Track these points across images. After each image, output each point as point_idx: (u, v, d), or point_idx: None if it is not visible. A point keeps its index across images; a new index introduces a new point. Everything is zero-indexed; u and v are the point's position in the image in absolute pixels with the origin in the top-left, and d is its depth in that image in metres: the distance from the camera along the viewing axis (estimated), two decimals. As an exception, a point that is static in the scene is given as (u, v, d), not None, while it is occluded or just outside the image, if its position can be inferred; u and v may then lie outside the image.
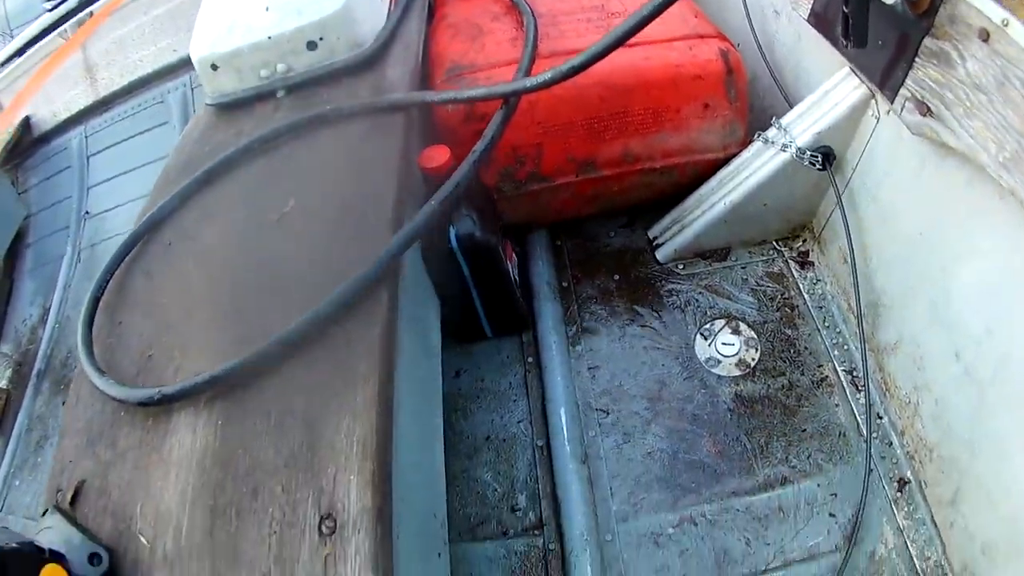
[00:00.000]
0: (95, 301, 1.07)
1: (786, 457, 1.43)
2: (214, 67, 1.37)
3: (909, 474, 1.38)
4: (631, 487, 1.43)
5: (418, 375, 1.30)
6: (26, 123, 2.38)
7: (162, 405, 0.88)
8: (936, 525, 1.30)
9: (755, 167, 1.57)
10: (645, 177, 1.63)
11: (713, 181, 1.62)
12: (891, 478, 1.38)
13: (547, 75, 1.19)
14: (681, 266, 1.71)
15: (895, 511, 1.35)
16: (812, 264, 1.68)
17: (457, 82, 1.53)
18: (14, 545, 0.72)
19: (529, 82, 1.22)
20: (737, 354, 1.55)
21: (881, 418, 1.47)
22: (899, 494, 1.36)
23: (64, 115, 2.31)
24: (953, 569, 1.24)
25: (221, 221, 1.16)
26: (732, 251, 1.71)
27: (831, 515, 1.36)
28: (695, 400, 1.50)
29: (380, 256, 0.96)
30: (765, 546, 1.34)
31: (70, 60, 2.35)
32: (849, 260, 1.47)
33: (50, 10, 2.56)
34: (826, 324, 1.59)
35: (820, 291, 1.64)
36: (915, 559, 1.29)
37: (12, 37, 2.70)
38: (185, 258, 1.12)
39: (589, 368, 1.58)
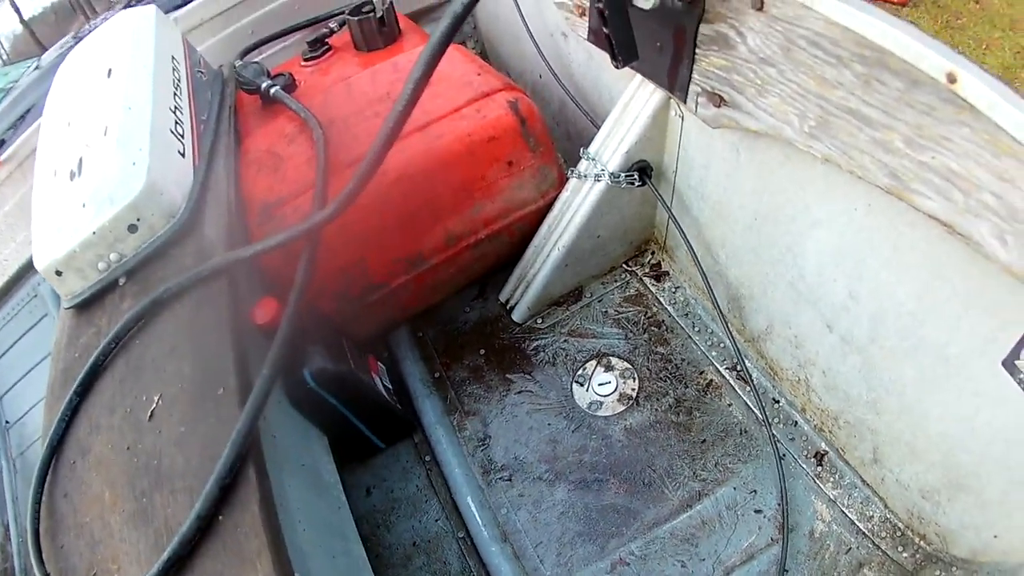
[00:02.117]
0: (36, 533, 1.11)
1: (694, 472, 1.45)
2: (58, 272, 1.38)
3: (824, 445, 1.40)
4: (557, 549, 1.45)
5: (319, 519, 1.32)
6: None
7: None
8: (868, 485, 1.32)
9: (576, 204, 1.58)
10: (476, 250, 1.63)
11: (542, 231, 1.63)
12: (806, 455, 1.41)
13: (334, 205, 1.20)
14: (540, 320, 1.72)
15: (821, 485, 1.37)
16: (667, 274, 1.69)
17: (270, 221, 1.53)
18: None
19: (319, 216, 1.23)
20: (616, 390, 1.56)
21: (777, 402, 1.49)
22: (820, 467, 1.39)
23: None
24: (901, 519, 1.26)
25: (105, 431, 1.18)
26: (585, 288, 1.72)
27: (757, 511, 1.38)
28: (589, 448, 1.52)
29: (232, 438, 0.99)
30: (700, 562, 1.37)
31: None
32: (695, 264, 1.48)
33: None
34: (696, 329, 1.60)
35: (682, 298, 1.65)
36: (857, 522, 1.31)
37: None
38: (89, 473, 1.14)
39: (482, 450, 1.59)
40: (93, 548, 1.06)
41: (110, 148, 1.39)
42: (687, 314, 1.62)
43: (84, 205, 1.35)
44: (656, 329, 1.62)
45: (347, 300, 1.57)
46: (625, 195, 1.56)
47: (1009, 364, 0.86)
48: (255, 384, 1.08)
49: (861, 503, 1.32)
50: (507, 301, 1.76)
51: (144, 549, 0.99)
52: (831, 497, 1.35)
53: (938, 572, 1.20)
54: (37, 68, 3.47)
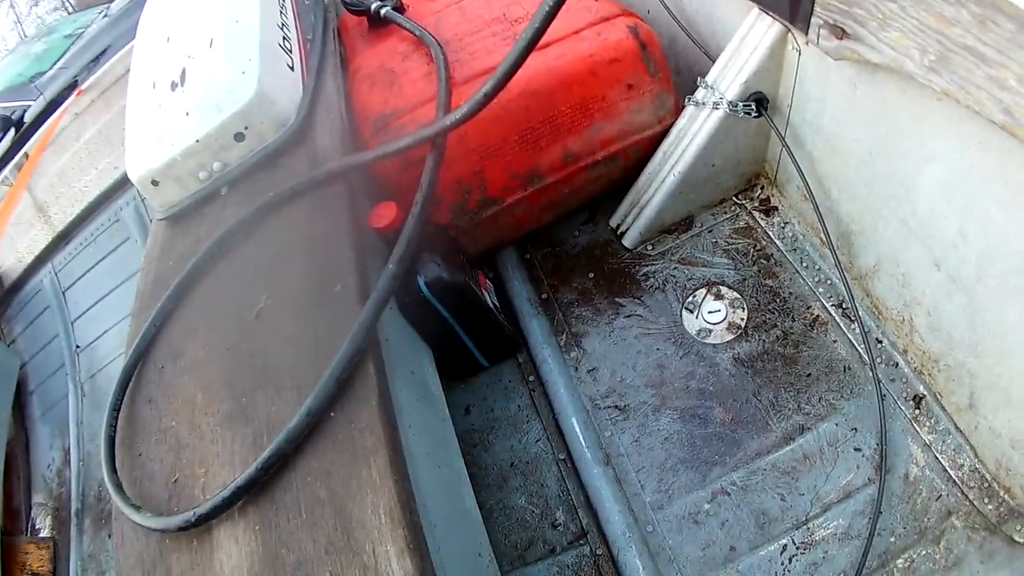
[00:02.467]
0: (110, 440, 1.09)
1: (798, 406, 1.44)
2: (154, 183, 1.37)
3: (922, 389, 1.38)
4: (659, 475, 1.45)
5: (427, 427, 1.32)
6: (-7, 275, 2.42)
7: (201, 525, 0.91)
8: (962, 432, 1.30)
9: (693, 132, 1.57)
10: (592, 172, 1.63)
11: (657, 157, 1.63)
12: (905, 398, 1.39)
13: (463, 109, 1.20)
14: (650, 247, 1.71)
15: (917, 429, 1.36)
16: (776, 209, 1.68)
17: (385, 132, 1.53)
18: None
19: (449, 120, 1.23)
20: (725, 318, 1.55)
21: (880, 342, 1.47)
22: (917, 411, 1.37)
23: (29, 258, 2.34)
24: (989, 469, 1.25)
25: (204, 332, 1.18)
26: (695, 218, 1.71)
27: (856, 449, 1.37)
28: (697, 375, 1.51)
29: (354, 332, 0.98)
30: (800, 496, 1.36)
31: (20, 204, 2.38)
32: (809, 197, 1.47)
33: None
34: (804, 265, 1.59)
35: (790, 233, 1.64)
36: (948, 470, 1.30)
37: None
38: (180, 377, 1.14)
39: (588, 371, 1.59)
40: (177, 453, 1.03)
41: (218, 58, 1.39)
42: (795, 249, 1.61)
43: (188, 114, 1.34)
44: (765, 262, 1.61)
45: (463, 213, 1.57)
46: (741, 125, 1.56)
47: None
48: (378, 281, 1.06)
49: (953, 450, 1.31)
50: (618, 226, 1.75)
51: (239, 449, 0.96)
52: (926, 442, 1.34)
53: (1020, 527, 1.19)
54: (105, 16, 3.50)
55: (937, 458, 1.31)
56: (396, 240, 1.18)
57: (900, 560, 1.25)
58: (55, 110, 2.52)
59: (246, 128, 1.36)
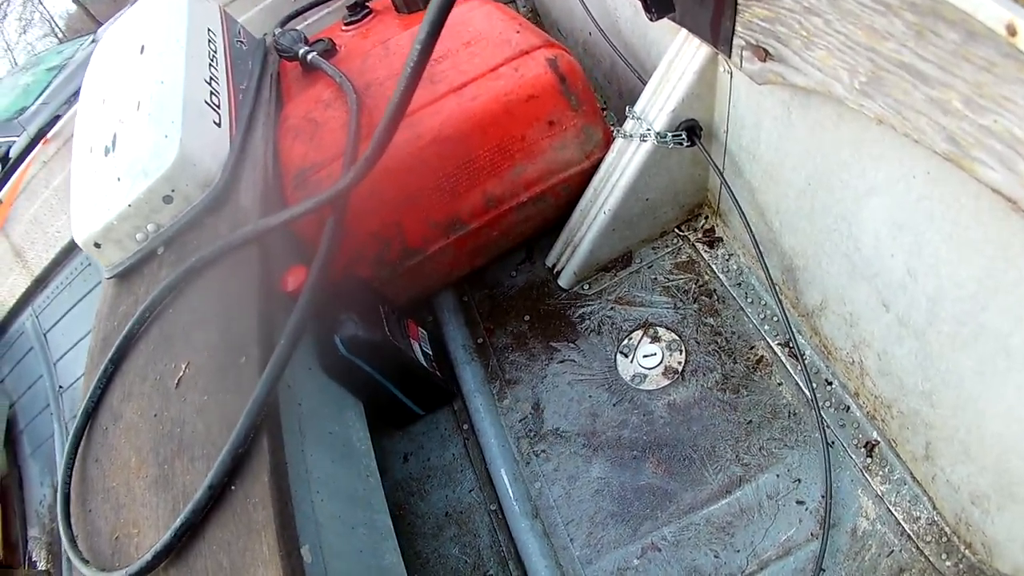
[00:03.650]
0: (65, 497, 1.15)
1: (737, 456, 1.37)
2: (97, 245, 1.42)
3: (876, 435, 1.29)
4: (588, 528, 1.41)
5: (342, 489, 1.32)
6: (-22, 321, 2.52)
7: None
8: (919, 482, 1.21)
9: (622, 167, 1.49)
10: (519, 213, 1.57)
11: (588, 193, 1.55)
12: (856, 444, 1.30)
13: (350, 176, 1.19)
14: (587, 286, 1.65)
15: (869, 478, 1.27)
16: (720, 240, 1.59)
17: (304, 187, 1.51)
18: None
19: (340, 185, 1.21)
20: (661, 362, 1.49)
21: (830, 383, 1.38)
22: (869, 459, 1.28)
23: (11, 302, 2.43)
24: (948, 522, 1.16)
25: (136, 397, 1.22)
26: (634, 254, 1.64)
27: (799, 502, 1.29)
28: (630, 423, 1.46)
29: (248, 407, 0.99)
30: (735, 553, 1.29)
31: None
32: (747, 230, 1.38)
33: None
34: (749, 300, 1.51)
35: (735, 266, 1.55)
36: (903, 523, 1.20)
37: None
38: (119, 439, 1.18)
39: (520, 420, 1.55)
40: (118, 512, 1.09)
41: (143, 122, 1.40)
42: (740, 284, 1.52)
43: (119, 179, 1.38)
44: (707, 299, 1.53)
45: (384, 265, 1.54)
46: (674, 156, 1.47)
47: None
48: (270, 360, 1.07)
49: (909, 502, 1.21)
50: (554, 266, 1.70)
51: (163, 515, 1.02)
52: (878, 493, 1.25)
53: None
54: (93, 42, 3.56)
55: (890, 510, 1.23)
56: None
57: None
58: (36, 146, 2.58)
59: (173, 191, 1.37)
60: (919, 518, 1.19)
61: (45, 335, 2.36)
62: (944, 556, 1.15)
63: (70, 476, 1.19)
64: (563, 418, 1.51)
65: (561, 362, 1.58)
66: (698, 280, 1.56)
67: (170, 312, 1.29)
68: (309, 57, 1.70)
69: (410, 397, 1.58)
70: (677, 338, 1.50)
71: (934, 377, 1.04)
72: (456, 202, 1.50)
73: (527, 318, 1.67)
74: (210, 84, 1.57)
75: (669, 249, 1.62)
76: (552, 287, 1.69)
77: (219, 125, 1.50)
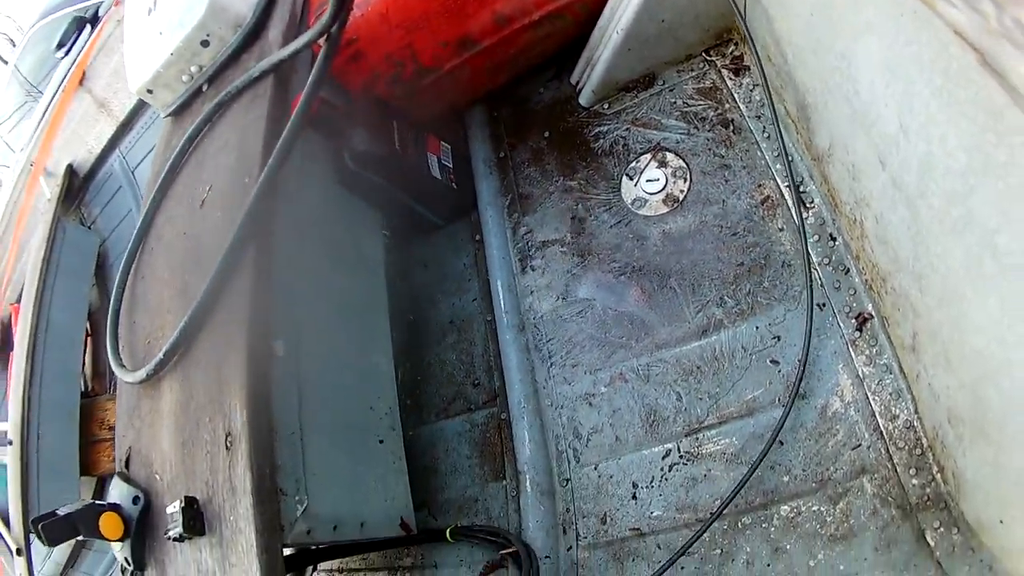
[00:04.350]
0: (116, 312, 1.35)
1: (720, 298, 1.31)
2: (150, 91, 1.58)
3: (870, 308, 1.15)
4: (567, 348, 1.45)
5: (347, 291, 1.48)
6: (70, 169, 2.75)
7: (153, 377, 1.16)
8: (904, 375, 1.07)
9: (637, -15, 1.40)
10: (537, 31, 1.53)
11: (606, 12, 1.48)
12: (848, 313, 1.18)
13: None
14: (607, 105, 1.61)
15: (853, 354, 1.14)
16: (748, 69, 1.48)
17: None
18: (78, 508, 1.05)
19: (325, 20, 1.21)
20: (664, 189, 1.45)
21: (834, 239, 1.24)
22: (858, 333, 1.15)
23: (98, 149, 2.68)
24: (927, 432, 1.02)
25: (175, 218, 1.40)
26: (658, 76, 1.56)
27: (773, 362, 1.21)
28: (623, 248, 1.45)
29: (239, 223, 1.11)
30: (697, 400, 1.26)
31: (79, 104, 2.72)
32: (755, 62, 1.29)
33: (62, 58, 2.95)
34: (766, 134, 1.41)
35: (758, 97, 1.44)
36: (878, 416, 1.08)
37: (41, 93, 3.13)
38: (159, 257, 1.38)
39: (524, 234, 1.59)
40: (152, 320, 1.26)
41: None
42: (759, 116, 1.42)
43: (161, 33, 1.51)
44: (723, 128, 1.45)
45: (401, 84, 1.59)
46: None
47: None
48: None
49: (891, 394, 1.08)
50: (577, 83, 1.66)
51: (179, 317, 1.15)
52: (860, 374, 1.12)
53: (938, 524, 0.97)
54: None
55: (868, 397, 1.10)
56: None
57: (784, 507, 1.10)
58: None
59: (208, 35, 1.47)
60: (897, 417, 1.07)
61: (133, 172, 2.60)
62: (913, 472, 1.03)
63: (122, 292, 1.37)
64: (564, 235, 1.54)
65: (571, 179, 1.58)
66: (717, 108, 1.48)
67: (205, 142, 1.42)
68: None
69: (428, 207, 1.66)
70: (684, 165, 1.45)
71: (923, 258, 0.92)
72: (465, 22, 1.50)
73: (547, 134, 1.68)
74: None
75: (694, 73, 1.52)
76: (574, 104, 1.66)
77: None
